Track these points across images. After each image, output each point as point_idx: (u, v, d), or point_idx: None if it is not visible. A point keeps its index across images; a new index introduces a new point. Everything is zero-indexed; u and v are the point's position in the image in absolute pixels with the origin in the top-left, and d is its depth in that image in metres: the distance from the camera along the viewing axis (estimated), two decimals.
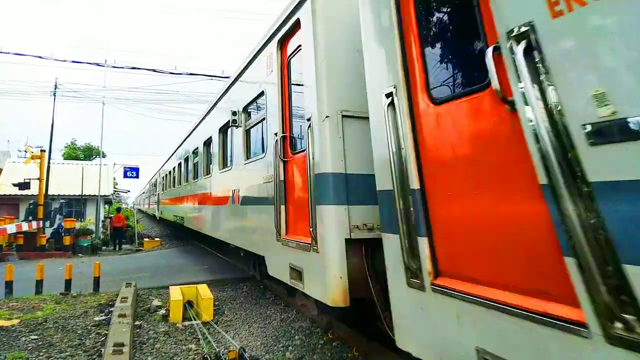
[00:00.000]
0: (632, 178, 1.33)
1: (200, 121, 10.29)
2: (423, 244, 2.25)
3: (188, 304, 6.12)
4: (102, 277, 8.02)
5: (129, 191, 47.64)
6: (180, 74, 20.86)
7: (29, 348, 4.75)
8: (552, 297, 1.67)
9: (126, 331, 4.83)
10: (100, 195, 23.28)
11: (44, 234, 16.83)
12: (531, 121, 1.63)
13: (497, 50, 1.82)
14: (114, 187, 34.76)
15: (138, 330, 5.40)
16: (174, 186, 15.50)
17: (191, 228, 11.62)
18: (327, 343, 4.80)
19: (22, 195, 20.82)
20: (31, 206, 17.78)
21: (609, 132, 1.37)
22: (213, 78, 20.75)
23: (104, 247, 19.29)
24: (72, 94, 24.33)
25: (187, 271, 10.07)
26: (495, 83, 1.81)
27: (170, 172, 16.79)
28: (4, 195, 22.44)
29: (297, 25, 4.16)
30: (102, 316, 5.99)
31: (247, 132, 6.02)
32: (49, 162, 18.61)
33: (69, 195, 24.11)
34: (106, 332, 5.14)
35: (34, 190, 18.06)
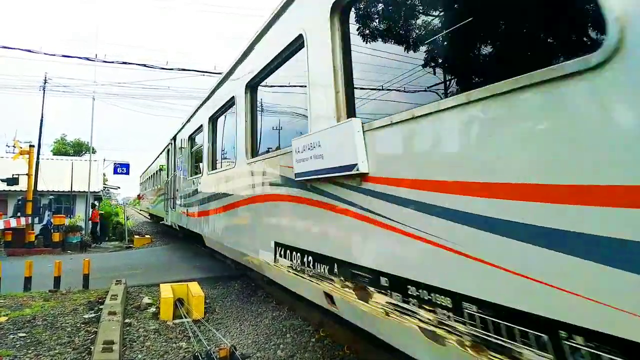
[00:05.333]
0: None
1: None
2: None
3: (179, 302, 6.10)
4: (91, 274, 7.95)
5: (118, 187, 47.17)
6: (172, 69, 20.61)
7: (17, 346, 4.70)
8: None
9: (116, 329, 4.80)
10: (90, 192, 23.05)
11: (33, 230, 16.61)
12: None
13: None
14: (104, 184, 34.40)
15: (128, 328, 5.37)
16: None
17: None
18: (319, 341, 4.82)
19: (10, 191, 20.50)
20: (19, 202, 17.48)
21: None
22: (205, 74, 20.59)
23: (93, 245, 19.11)
24: (61, 88, 23.90)
25: (178, 269, 10.03)
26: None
27: None
28: None
29: None
30: (91, 314, 5.95)
31: None
32: (38, 158, 18.34)
33: (58, 191, 23.82)
34: (96, 329, 5.11)
35: (22, 186, 17.79)
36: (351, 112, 2.93)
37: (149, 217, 30.29)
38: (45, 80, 21.30)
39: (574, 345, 1.50)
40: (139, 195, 33.92)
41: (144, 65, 19.58)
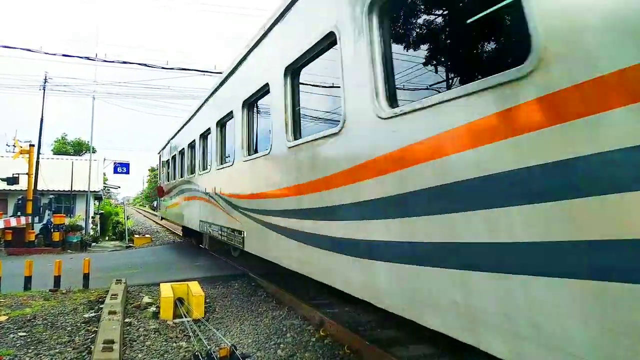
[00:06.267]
0: None
1: None
2: None
3: (179, 301, 6.10)
4: (91, 273, 7.95)
5: (119, 187, 47.20)
6: (172, 68, 20.61)
7: (18, 345, 4.70)
8: None
9: (116, 328, 4.80)
10: (90, 191, 23.06)
11: (33, 229, 16.61)
12: None
13: None
14: (104, 183, 34.42)
15: (128, 328, 5.37)
16: None
17: None
18: (319, 340, 4.82)
19: (10, 190, 20.51)
20: (20, 201, 17.50)
21: None
22: (205, 73, 20.59)
23: (93, 244, 19.11)
24: (62, 88, 23.90)
25: (178, 268, 10.02)
26: None
27: None
28: None
29: None
30: (91, 313, 5.95)
31: None
32: (38, 157, 18.34)
33: (59, 190, 23.83)
34: (96, 329, 5.10)
35: (22, 185, 17.81)
36: None
37: (184, 236, 15.82)
38: (45, 79, 21.30)
39: None
40: (160, 189, 17.15)
41: (145, 65, 19.59)
